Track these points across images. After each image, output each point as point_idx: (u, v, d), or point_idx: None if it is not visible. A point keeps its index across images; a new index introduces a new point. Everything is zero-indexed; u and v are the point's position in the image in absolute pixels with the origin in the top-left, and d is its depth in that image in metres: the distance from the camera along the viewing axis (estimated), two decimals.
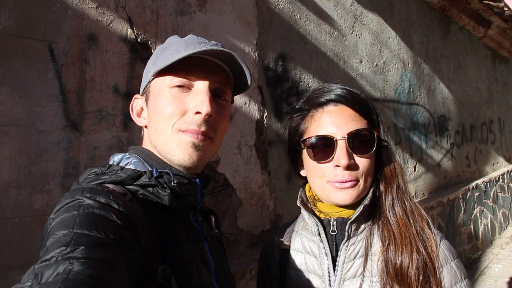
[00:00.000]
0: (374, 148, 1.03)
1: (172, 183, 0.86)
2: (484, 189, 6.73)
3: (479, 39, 7.42)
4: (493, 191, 7.15)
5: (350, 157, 1.00)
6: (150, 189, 0.85)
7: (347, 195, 1.01)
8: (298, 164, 1.19)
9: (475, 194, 6.31)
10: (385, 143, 1.10)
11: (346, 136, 1.01)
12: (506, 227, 7.59)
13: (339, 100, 1.05)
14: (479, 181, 6.57)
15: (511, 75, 9.28)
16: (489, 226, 6.75)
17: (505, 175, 7.89)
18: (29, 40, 1.76)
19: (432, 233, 1.03)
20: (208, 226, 1.04)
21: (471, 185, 6.19)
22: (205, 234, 0.97)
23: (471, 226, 6.02)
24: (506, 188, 7.88)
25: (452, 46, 6.43)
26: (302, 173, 1.17)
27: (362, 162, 1.02)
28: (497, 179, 7.43)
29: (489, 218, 6.81)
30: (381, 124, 1.10)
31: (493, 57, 8.15)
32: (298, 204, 1.15)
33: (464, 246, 5.71)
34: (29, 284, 0.57)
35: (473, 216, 6.15)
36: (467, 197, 5.97)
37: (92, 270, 0.56)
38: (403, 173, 1.09)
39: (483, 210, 6.60)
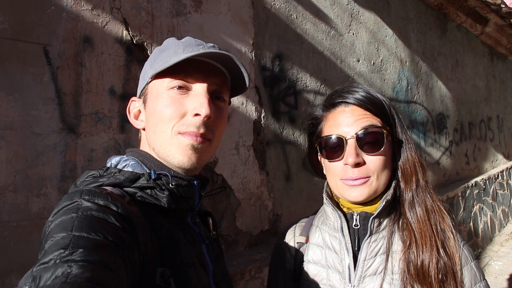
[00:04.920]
0: (384, 147, 1.04)
1: (170, 185, 0.86)
2: (484, 186, 6.73)
3: (477, 37, 7.42)
4: (492, 188, 7.15)
5: (359, 155, 1.03)
6: (148, 191, 0.85)
7: (358, 192, 1.04)
8: (319, 163, 1.21)
9: (475, 192, 6.31)
10: (404, 141, 1.11)
11: (355, 135, 1.04)
12: (506, 224, 7.60)
13: (351, 101, 1.08)
14: (478, 179, 6.56)
15: (509, 72, 9.29)
16: (489, 224, 6.75)
17: (504, 172, 7.89)
18: (23, 43, 1.75)
19: (453, 233, 1.04)
20: (205, 228, 1.04)
21: (470, 182, 6.19)
22: (203, 236, 0.96)
23: (471, 223, 6.02)
24: (505, 185, 7.88)
25: (449, 44, 6.43)
26: (325, 171, 1.19)
27: (372, 160, 1.04)
28: (496, 176, 7.43)
29: (488, 216, 6.81)
30: (398, 122, 1.11)
31: (490, 55, 8.15)
32: (324, 196, 1.16)
33: None
34: (27, 287, 0.56)
35: (472, 213, 6.15)
36: (467, 194, 5.97)
37: (90, 273, 0.56)
38: (424, 170, 1.10)
39: (482, 207, 6.60)
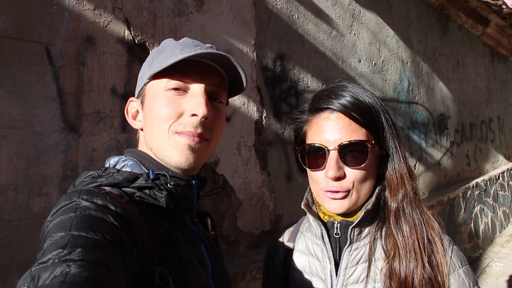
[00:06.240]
0: (368, 160, 1.00)
1: (168, 185, 0.86)
2: (484, 187, 6.72)
3: (478, 37, 7.42)
4: (493, 189, 7.15)
5: (340, 169, 0.99)
6: (147, 191, 0.85)
7: (338, 205, 1.01)
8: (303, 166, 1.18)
9: (475, 193, 6.30)
10: (392, 151, 1.05)
11: (337, 148, 0.99)
12: (507, 225, 7.59)
13: (336, 107, 1.02)
14: (479, 180, 6.56)
15: (510, 73, 9.28)
16: (490, 225, 6.74)
17: (505, 173, 7.88)
18: (26, 42, 1.75)
19: (442, 244, 1.00)
20: (204, 228, 1.04)
21: (471, 183, 6.19)
22: (201, 236, 0.97)
23: (472, 224, 6.02)
24: (506, 186, 7.88)
25: (450, 44, 6.43)
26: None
27: (353, 173, 1.00)
28: (497, 177, 7.43)
29: (489, 217, 6.80)
30: (387, 130, 1.05)
31: (491, 55, 8.14)
32: (302, 206, 1.13)
33: (465, 244, 5.70)
34: (26, 287, 0.56)
35: (473, 214, 6.14)
36: (467, 195, 5.97)
37: (89, 272, 0.56)
38: (413, 180, 1.05)
39: (483, 208, 6.60)
